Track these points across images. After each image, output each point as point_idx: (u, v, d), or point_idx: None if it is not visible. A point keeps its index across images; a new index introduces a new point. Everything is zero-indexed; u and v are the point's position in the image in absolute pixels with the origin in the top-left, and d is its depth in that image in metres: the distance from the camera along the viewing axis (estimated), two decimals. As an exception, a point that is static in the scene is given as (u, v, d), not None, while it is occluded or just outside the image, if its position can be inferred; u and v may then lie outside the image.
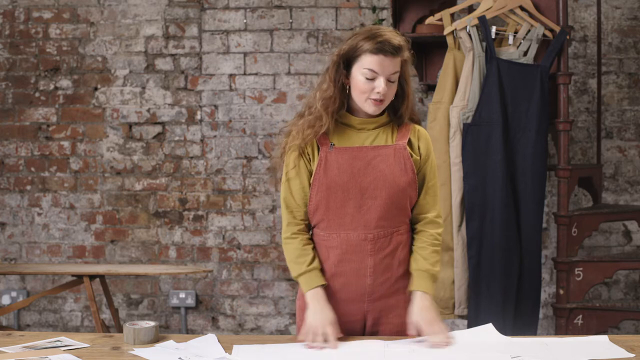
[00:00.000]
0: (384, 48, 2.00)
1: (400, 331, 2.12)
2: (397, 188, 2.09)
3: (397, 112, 2.14)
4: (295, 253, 2.12)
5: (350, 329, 2.13)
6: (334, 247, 2.11)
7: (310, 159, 2.12)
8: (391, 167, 2.09)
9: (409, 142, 2.14)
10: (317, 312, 2.05)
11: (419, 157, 2.14)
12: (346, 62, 2.07)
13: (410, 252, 2.18)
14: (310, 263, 2.10)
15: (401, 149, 2.11)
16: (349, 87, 2.09)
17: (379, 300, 2.13)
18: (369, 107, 2.07)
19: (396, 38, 2.03)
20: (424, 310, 2.07)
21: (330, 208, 2.10)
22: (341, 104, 2.11)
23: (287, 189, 2.14)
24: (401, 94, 2.12)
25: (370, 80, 2.03)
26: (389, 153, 2.10)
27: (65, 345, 1.93)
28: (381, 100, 2.05)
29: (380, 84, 2.02)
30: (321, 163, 2.09)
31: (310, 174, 2.11)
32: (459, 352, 1.93)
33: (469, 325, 3.16)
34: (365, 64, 2.02)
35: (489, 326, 2.12)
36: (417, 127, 2.18)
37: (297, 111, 2.22)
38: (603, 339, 2.02)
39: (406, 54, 2.06)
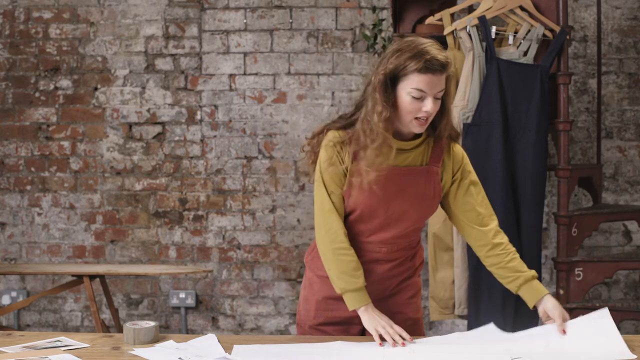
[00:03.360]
0: (432, 67, 1.92)
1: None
2: (423, 212, 2.10)
3: (435, 129, 2.06)
4: (351, 265, 2.05)
5: (351, 322, 2.14)
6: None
7: (343, 166, 2.06)
8: (421, 190, 2.06)
9: (443, 163, 2.10)
10: (377, 317, 2.03)
11: (450, 178, 2.11)
12: (391, 80, 1.97)
13: (419, 261, 2.21)
14: (364, 280, 2.06)
15: (433, 174, 2.07)
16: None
17: (384, 300, 2.15)
18: (414, 127, 1.99)
19: (442, 54, 1.95)
20: (558, 305, 2.07)
21: (353, 222, 2.10)
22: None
23: (331, 197, 2.07)
24: (441, 110, 2.02)
25: (417, 100, 1.94)
26: (420, 176, 2.06)
27: (65, 345, 1.93)
28: (427, 119, 1.98)
29: (428, 103, 1.94)
30: (352, 176, 2.04)
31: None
32: (459, 352, 1.93)
33: (469, 325, 3.17)
34: (413, 84, 1.93)
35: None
36: (453, 145, 2.11)
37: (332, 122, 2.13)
38: (604, 314, 2.02)
39: (451, 70, 1.99)
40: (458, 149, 2.13)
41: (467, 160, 2.14)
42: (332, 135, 2.06)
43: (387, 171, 2.01)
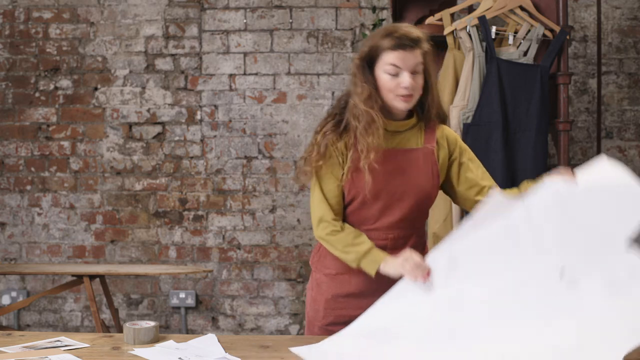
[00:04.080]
0: (402, 42, 2.00)
1: None
2: (424, 192, 2.11)
3: (423, 107, 2.13)
4: (349, 237, 2.06)
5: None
6: None
7: (341, 157, 2.10)
8: (420, 170, 2.10)
9: (437, 144, 2.14)
10: (397, 264, 1.99)
11: (447, 159, 2.14)
12: (369, 64, 2.06)
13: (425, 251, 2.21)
14: (369, 241, 2.06)
15: (430, 153, 2.12)
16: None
17: None
18: (399, 104, 2.05)
19: (413, 30, 2.03)
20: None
21: (355, 208, 2.11)
22: (382, 104, 2.07)
23: (323, 187, 2.10)
24: (425, 88, 2.09)
25: (394, 77, 2.02)
26: (418, 156, 2.11)
27: (65, 345, 1.93)
28: (410, 95, 2.03)
29: (405, 78, 2.01)
30: (352, 163, 2.08)
31: (342, 170, 2.10)
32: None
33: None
34: (387, 61, 2.02)
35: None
36: (443, 127, 2.17)
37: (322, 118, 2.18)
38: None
39: (426, 46, 2.05)
40: (449, 130, 2.19)
41: (460, 139, 2.20)
42: (324, 128, 2.11)
43: (385, 152, 2.06)
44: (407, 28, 2.03)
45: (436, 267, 1.95)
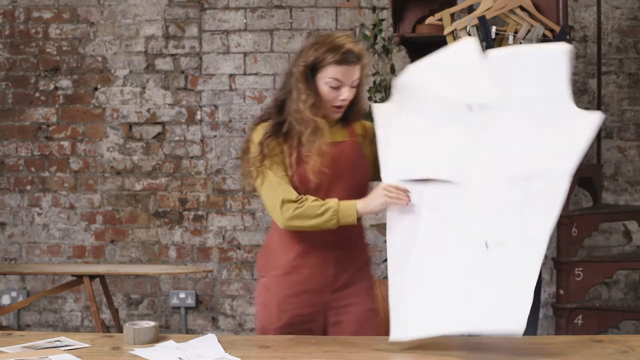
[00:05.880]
0: (348, 58, 2.08)
1: (363, 319, 2.19)
2: (358, 181, 2.20)
3: (349, 112, 2.22)
4: (315, 205, 2.09)
5: (313, 319, 2.20)
6: (299, 239, 2.18)
7: (285, 158, 2.16)
8: (351, 161, 2.19)
9: (360, 138, 2.25)
10: (373, 198, 2.08)
11: (372, 150, 2.22)
12: (311, 72, 2.13)
13: (367, 253, 2.31)
14: (334, 198, 2.11)
15: (356, 145, 2.23)
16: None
17: (341, 291, 2.21)
18: (332, 114, 2.16)
19: (357, 46, 2.13)
20: None
21: None
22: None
23: (273, 175, 2.15)
24: (355, 95, 2.19)
25: (334, 89, 2.11)
26: (347, 147, 2.20)
27: (65, 345, 1.93)
28: (344, 106, 2.15)
29: (345, 92, 2.11)
30: (292, 159, 2.15)
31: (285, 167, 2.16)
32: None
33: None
34: (330, 74, 2.10)
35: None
36: (363, 122, 2.28)
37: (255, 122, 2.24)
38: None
39: (366, 60, 2.15)
40: (369, 124, 2.27)
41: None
42: (264, 129, 2.17)
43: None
44: (352, 44, 2.11)
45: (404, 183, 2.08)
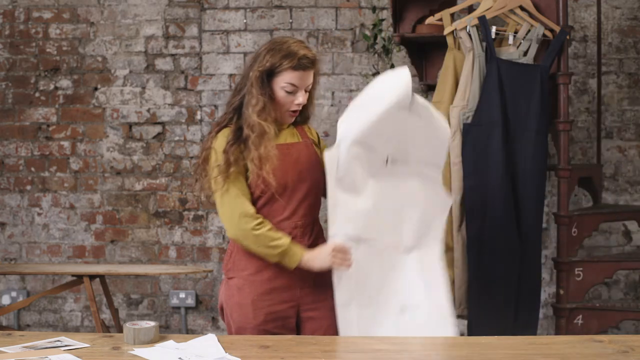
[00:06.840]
0: (302, 64, 2.20)
1: (335, 314, 2.24)
2: (316, 179, 2.28)
3: (301, 114, 2.34)
4: (271, 233, 2.20)
5: (287, 315, 2.27)
6: None
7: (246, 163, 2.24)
8: (311, 160, 2.29)
9: (312, 138, 2.38)
10: (319, 257, 2.22)
11: (320, 150, 2.35)
12: (267, 77, 2.22)
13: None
14: (286, 238, 2.22)
15: (312, 145, 2.34)
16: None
17: (310, 287, 2.28)
18: (287, 118, 2.29)
19: (311, 52, 2.24)
20: None
21: (265, 202, 2.24)
22: (274, 115, 2.25)
23: (235, 186, 2.22)
24: (308, 100, 2.32)
25: (290, 94, 2.23)
26: (303, 147, 2.30)
27: (65, 345, 1.93)
28: (299, 110, 2.27)
29: (300, 96, 2.23)
30: (253, 161, 2.21)
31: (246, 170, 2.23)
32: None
33: (469, 325, 3.17)
34: (287, 79, 2.21)
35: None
36: (309, 125, 2.41)
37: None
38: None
39: (318, 65, 2.27)
40: (313, 128, 2.43)
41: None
42: (225, 136, 2.24)
43: (279, 148, 2.24)
44: (306, 50, 2.22)
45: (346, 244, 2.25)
